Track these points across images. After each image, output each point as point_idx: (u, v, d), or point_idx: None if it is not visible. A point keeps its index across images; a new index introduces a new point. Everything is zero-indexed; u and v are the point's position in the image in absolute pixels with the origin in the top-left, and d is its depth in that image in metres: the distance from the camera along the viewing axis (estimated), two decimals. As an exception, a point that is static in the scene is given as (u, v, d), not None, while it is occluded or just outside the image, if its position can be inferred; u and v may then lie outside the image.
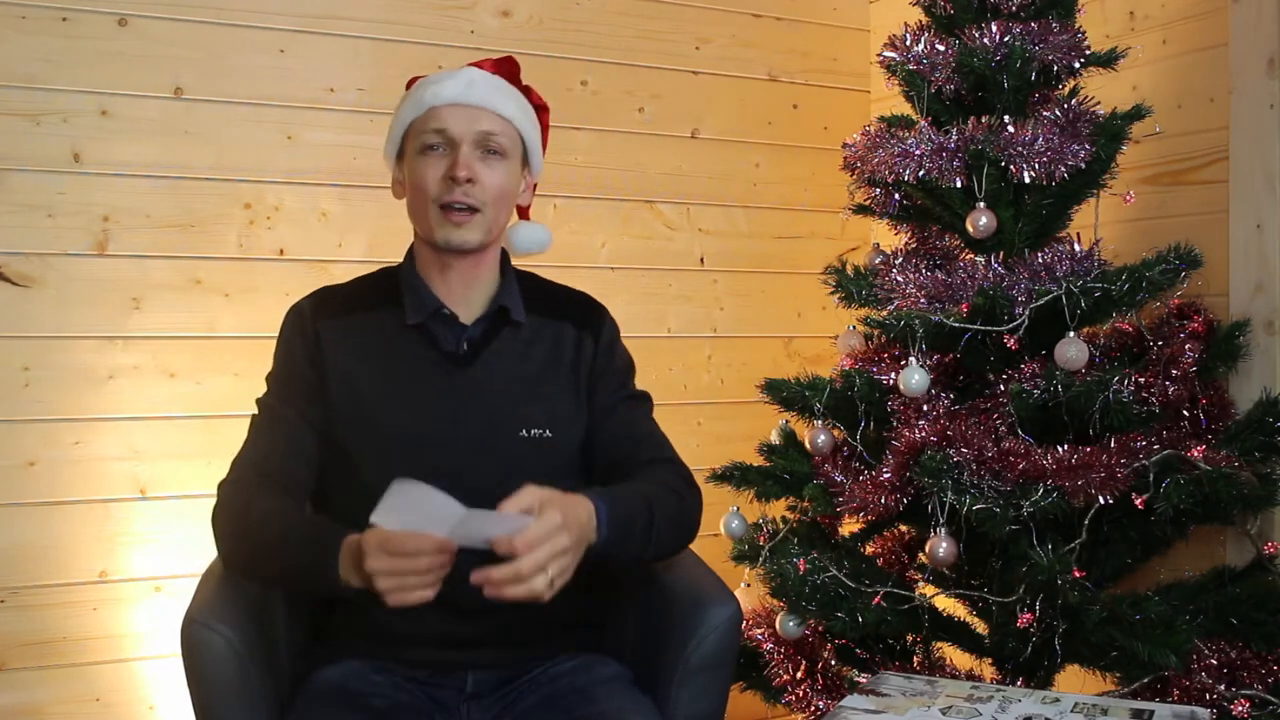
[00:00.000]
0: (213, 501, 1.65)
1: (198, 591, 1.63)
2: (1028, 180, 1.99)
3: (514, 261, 1.82)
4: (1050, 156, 1.98)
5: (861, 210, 2.31)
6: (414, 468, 1.57)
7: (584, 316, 1.80)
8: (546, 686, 1.58)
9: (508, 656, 1.64)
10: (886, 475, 1.97)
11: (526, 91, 1.77)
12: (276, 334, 1.74)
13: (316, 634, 1.71)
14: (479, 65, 1.76)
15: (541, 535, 1.39)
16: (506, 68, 1.77)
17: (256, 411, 1.72)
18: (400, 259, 1.78)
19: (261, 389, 1.72)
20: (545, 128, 1.79)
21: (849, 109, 3.08)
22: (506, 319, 1.73)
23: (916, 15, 2.23)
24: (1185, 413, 2.05)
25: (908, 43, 2.13)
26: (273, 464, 1.65)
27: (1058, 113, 2.03)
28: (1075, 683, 2.13)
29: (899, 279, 2.09)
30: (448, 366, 1.68)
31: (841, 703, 1.60)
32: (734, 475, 2.25)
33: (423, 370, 1.68)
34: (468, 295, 1.72)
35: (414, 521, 1.38)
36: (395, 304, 1.72)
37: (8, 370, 2.31)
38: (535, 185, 1.81)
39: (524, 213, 1.85)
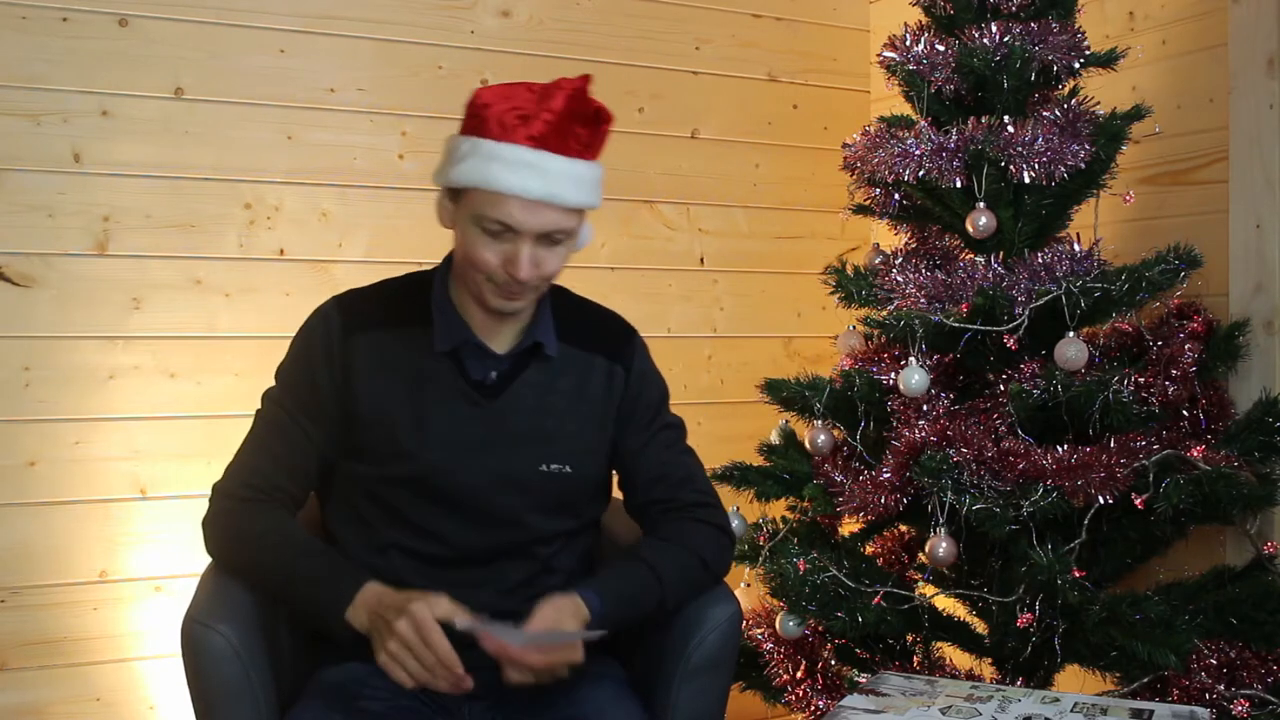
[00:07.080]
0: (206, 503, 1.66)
1: (198, 591, 1.63)
2: (1027, 180, 1.99)
3: None
4: (1050, 156, 1.98)
5: (861, 210, 2.31)
6: (432, 495, 1.64)
7: (615, 348, 1.76)
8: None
9: None
10: (886, 475, 1.97)
11: (598, 115, 1.65)
12: (296, 331, 1.70)
13: (321, 634, 1.70)
14: (551, 109, 1.58)
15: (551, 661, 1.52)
16: (587, 123, 1.63)
17: (261, 407, 1.70)
18: (406, 259, 1.76)
19: (264, 384, 1.70)
20: (605, 137, 1.70)
21: (849, 109, 3.07)
22: (538, 352, 1.70)
23: (916, 15, 2.23)
24: (1185, 413, 2.05)
25: (908, 43, 2.13)
26: (269, 477, 1.64)
27: (1057, 113, 2.03)
28: (1075, 683, 2.13)
29: (899, 279, 2.09)
30: (475, 396, 1.66)
31: (841, 703, 1.60)
32: (734, 475, 2.25)
33: (450, 399, 1.65)
34: (500, 327, 1.68)
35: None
36: (426, 323, 1.67)
37: (8, 370, 2.31)
38: None
39: None
